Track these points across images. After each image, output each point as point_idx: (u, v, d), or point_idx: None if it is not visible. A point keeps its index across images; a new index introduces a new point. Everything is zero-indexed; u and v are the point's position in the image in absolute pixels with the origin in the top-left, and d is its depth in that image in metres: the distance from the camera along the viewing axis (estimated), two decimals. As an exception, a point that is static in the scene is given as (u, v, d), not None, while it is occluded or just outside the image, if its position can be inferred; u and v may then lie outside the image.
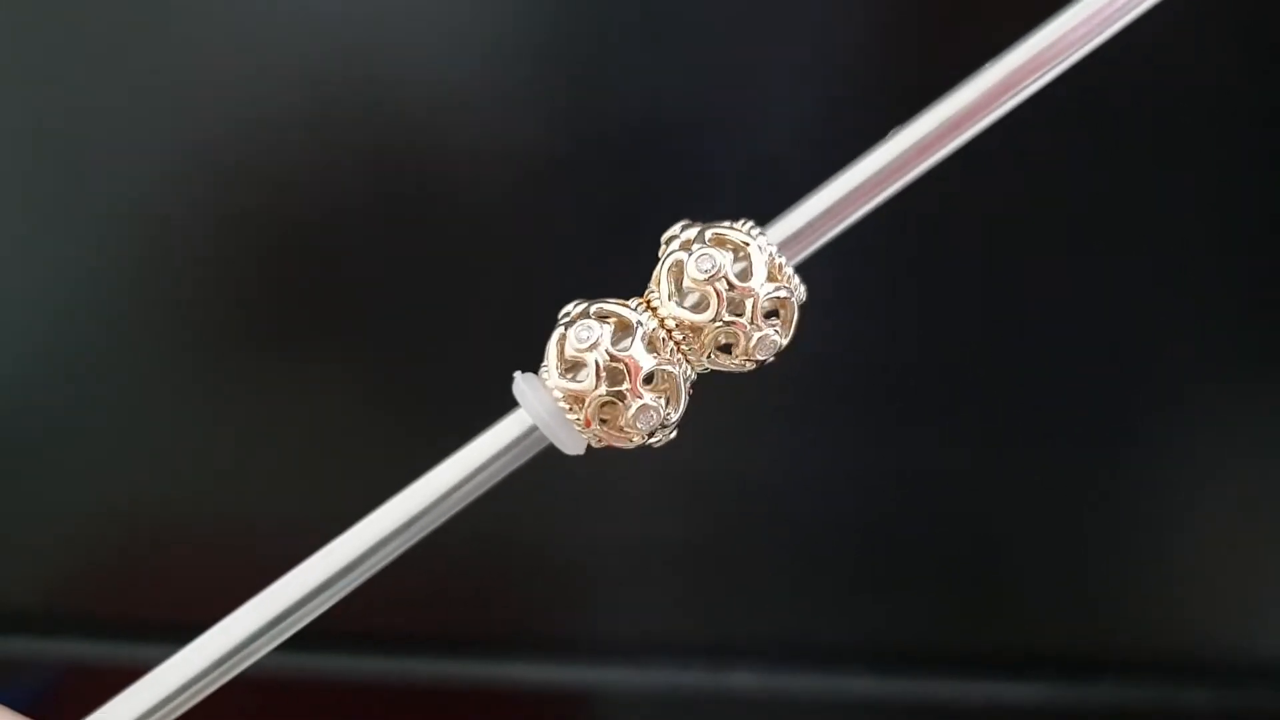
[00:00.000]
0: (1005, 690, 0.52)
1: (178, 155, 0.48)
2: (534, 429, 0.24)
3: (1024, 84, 0.24)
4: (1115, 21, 0.24)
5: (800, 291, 0.24)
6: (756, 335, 0.23)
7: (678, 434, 0.24)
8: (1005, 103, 0.24)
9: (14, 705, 0.25)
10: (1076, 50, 0.24)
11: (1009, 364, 0.50)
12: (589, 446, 0.24)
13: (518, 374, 0.24)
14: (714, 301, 0.23)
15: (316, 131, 0.47)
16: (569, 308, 0.24)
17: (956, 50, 0.25)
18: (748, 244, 0.23)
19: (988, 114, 0.24)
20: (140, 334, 0.50)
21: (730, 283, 0.23)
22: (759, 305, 0.23)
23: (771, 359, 0.24)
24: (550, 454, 0.25)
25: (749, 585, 0.53)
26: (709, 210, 0.25)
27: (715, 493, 0.52)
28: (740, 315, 0.23)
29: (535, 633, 0.54)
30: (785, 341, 0.24)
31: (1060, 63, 0.24)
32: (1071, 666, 0.52)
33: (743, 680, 0.53)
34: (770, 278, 0.23)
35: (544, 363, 0.24)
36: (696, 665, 0.53)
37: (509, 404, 0.25)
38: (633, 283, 0.25)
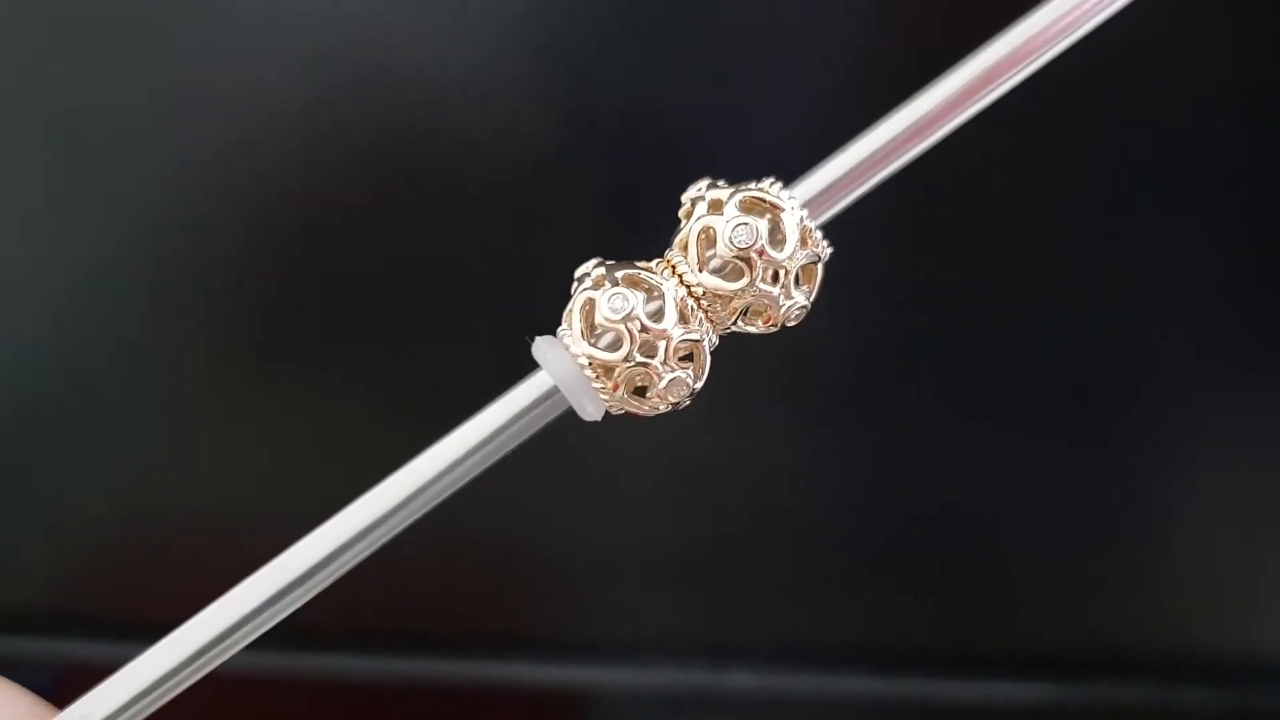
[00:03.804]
0: (1005, 690, 0.52)
1: (180, 156, 0.48)
2: (554, 391, 0.24)
3: (1042, 49, 0.24)
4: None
5: (826, 254, 0.24)
6: (786, 304, 0.23)
7: (664, 427, 0.24)
8: (1029, 65, 0.24)
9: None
10: (1090, 19, 0.24)
11: (1009, 363, 0.50)
12: (603, 416, 0.24)
13: (539, 337, 0.24)
14: (746, 271, 0.23)
15: (321, 130, 0.47)
16: (587, 267, 0.24)
17: (958, 50, 0.25)
18: (781, 208, 0.23)
19: (1012, 75, 0.24)
20: (142, 335, 0.50)
21: (764, 251, 0.23)
22: (791, 274, 0.23)
23: (796, 324, 0.24)
24: (552, 454, 0.25)
25: (749, 585, 0.53)
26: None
27: (715, 493, 0.52)
28: (772, 284, 0.23)
29: (535, 633, 0.54)
30: (810, 305, 0.24)
31: (1081, 27, 0.24)
32: (1071, 666, 0.52)
33: (743, 680, 0.53)
34: (802, 243, 0.23)
35: (564, 325, 0.24)
36: (696, 665, 0.53)
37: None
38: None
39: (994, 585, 0.53)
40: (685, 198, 0.24)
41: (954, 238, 0.48)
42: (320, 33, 0.46)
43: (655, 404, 0.23)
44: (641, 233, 0.26)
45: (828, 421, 0.51)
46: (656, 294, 0.23)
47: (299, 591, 0.23)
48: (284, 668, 0.53)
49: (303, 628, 0.25)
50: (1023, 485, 0.51)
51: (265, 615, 0.23)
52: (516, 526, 0.52)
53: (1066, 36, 0.24)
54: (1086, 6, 0.24)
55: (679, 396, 0.23)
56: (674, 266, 0.23)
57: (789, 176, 0.25)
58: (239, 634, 0.23)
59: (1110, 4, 0.25)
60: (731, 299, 0.23)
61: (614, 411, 0.24)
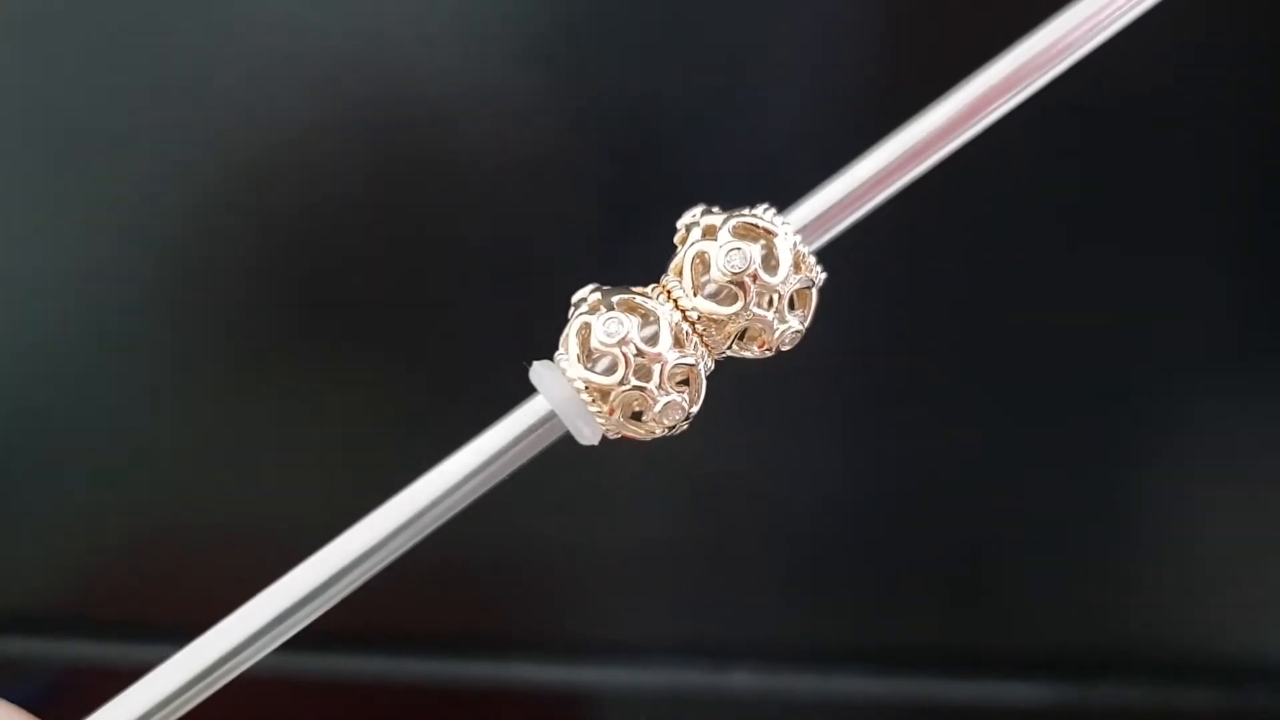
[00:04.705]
0: (1005, 690, 0.52)
1: (185, 162, 0.48)
2: (551, 416, 0.24)
3: (1038, 73, 0.24)
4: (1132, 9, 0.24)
5: (820, 279, 0.24)
6: (781, 328, 0.23)
7: (675, 435, 0.24)
8: (1029, 86, 0.24)
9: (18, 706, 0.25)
10: (1097, 34, 0.24)
11: (1008, 364, 0.50)
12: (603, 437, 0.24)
13: (536, 362, 0.24)
14: (740, 295, 0.23)
15: (323, 138, 0.47)
16: (584, 293, 0.24)
17: (960, 49, 0.25)
18: (774, 233, 0.23)
19: (1010, 97, 0.24)
20: (142, 335, 0.50)
21: (757, 276, 0.23)
22: (784, 298, 0.23)
23: (791, 348, 0.24)
24: (552, 454, 0.25)
25: (749, 585, 0.53)
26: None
27: (715, 493, 0.52)
28: (766, 309, 0.23)
29: (535, 633, 0.54)
30: (805, 329, 0.24)
31: (1081, 47, 0.24)
32: (1071, 666, 0.52)
33: (743, 680, 0.53)
34: (795, 268, 0.23)
35: (561, 350, 0.24)
36: (696, 665, 0.53)
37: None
38: (638, 281, 0.25)
39: (994, 585, 0.53)
40: (680, 224, 0.24)
41: (953, 242, 0.48)
42: (325, 37, 0.46)
43: (651, 428, 0.23)
44: (643, 236, 0.26)
45: (827, 422, 0.51)
46: (652, 319, 0.23)
47: (292, 620, 0.23)
48: (284, 668, 0.53)
49: (304, 627, 0.25)
50: (1022, 485, 0.51)
51: (260, 643, 0.23)
52: (517, 527, 0.52)
53: (1065, 58, 0.24)
54: (1086, 28, 0.24)
55: (674, 420, 0.23)
56: (669, 291, 0.23)
57: (790, 176, 0.25)
58: (232, 663, 0.23)
59: (1115, 20, 0.25)
60: (726, 323, 0.23)
61: (610, 435, 0.24)
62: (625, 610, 0.54)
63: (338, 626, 0.51)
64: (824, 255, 0.25)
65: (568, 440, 0.24)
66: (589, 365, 0.23)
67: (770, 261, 0.23)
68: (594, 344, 0.23)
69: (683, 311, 0.23)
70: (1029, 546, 0.52)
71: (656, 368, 0.23)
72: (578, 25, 0.46)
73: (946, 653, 0.53)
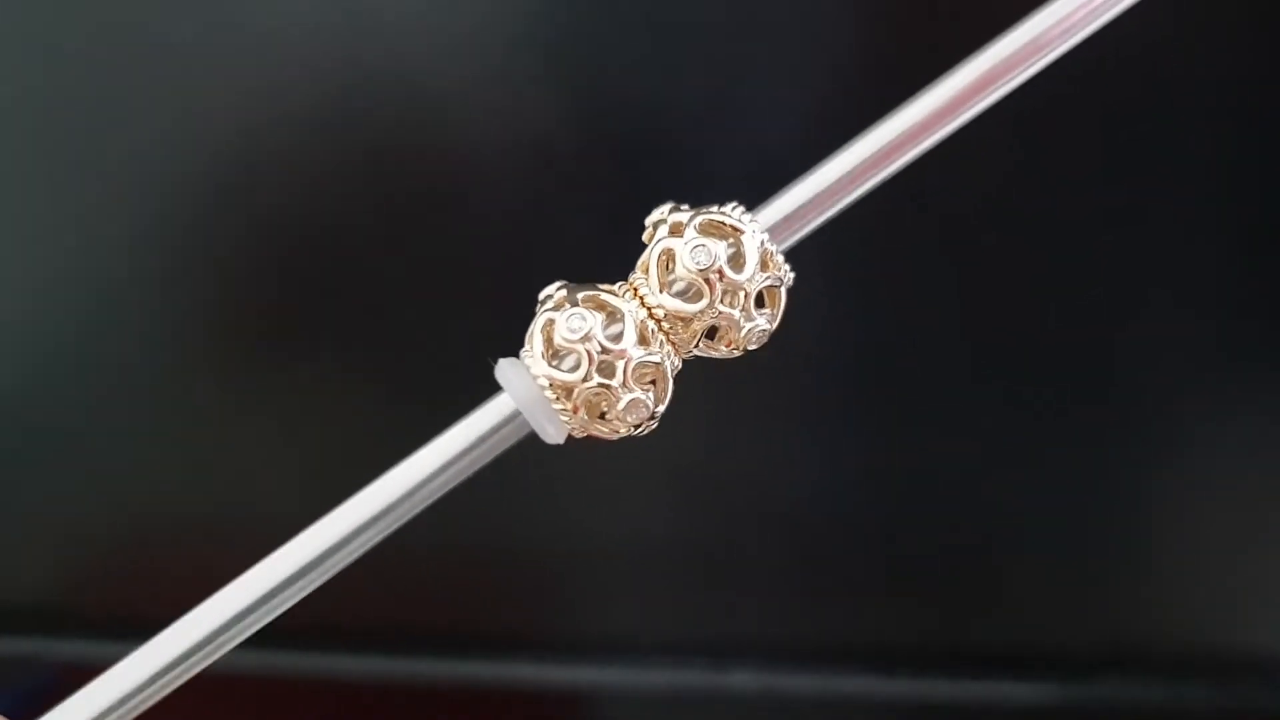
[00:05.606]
0: (1005, 690, 0.52)
1: (181, 155, 0.48)
2: (516, 414, 0.23)
3: (1021, 67, 0.24)
4: (1106, 11, 0.24)
5: (789, 278, 0.24)
6: (747, 326, 0.23)
7: (663, 428, 0.24)
8: (1000, 88, 0.24)
9: (14, 705, 0.25)
10: (1069, 38, 0.24)
11: (1008, 363, 0.50)
12: (569, 437, 0.24)
13: (501, 359, 0.24)
14: (706, 292, 0.23)
15: (324, 130, 0.47)
16: (550, 289, 0.24)
17: (960, 49, 0.25)
18: (741, 231, 0.23)
19: (981, 99, 0.24)
20: (141, 335, 0.50)
21: (723, 273, 0.23)
22: (751, 296, 0.23)
23: (758, 347, 0.24)
24: (553, 453, 0.25)
25: (749, 585, 0.53)
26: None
27: (715, 492, 0.52)
28: (732, 306, 0.23)
29: (535, 633, 0.54)
30: (773, 329, 0.24)
31: (1054, 49, 0.24)
32: (1071, 666, 0.52)
33: (743, 680, 0.53)
34: (762, 266, 0.23)
35: (526, 347, 0.23)
36: (696, 665, 0.53)
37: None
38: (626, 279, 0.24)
39: (994, 585, 0.53)
40: (648, 221, 0.24)
41: (952, 238, 0.48)
42: (325, 35, 0.46)
43: (616, 426, 0.23)
44: (642, 231, 0.26)
45: (828, 422, 0.51)
46: (617, 316, 0.23)
47: (253, 618, 0.23)
48: (284, 668, 0.53)
49: (303, 628, 0.25)
50: (1023, 485, 0.51)
51: (219, 641, 0.23)
52: (517, 527, 0.52)
53: (1035, 62, 0.24)
54: (1067, 24, 0.23)
55: (639, 419, 0.23)
56: (636, 289, 0.23)
57: (789, 173, 0.25)
58: (204, 651, 0.23)
59: (1088, 23, 0.24)
60: (692, 321, 0.23)
61: (576, 434, 0.24)
62: (625, 610, 0.54)
63: (338, 626, 0.51)
64: (828, 250, 0.24)
65: (571, 440, 0.24)
66: (553, 362, 0.23)
67: (737, 259, 0.23)
68: (558, 341, 0.23)
69: (649, 309, 0.23)
70: (1029, 546, 0.52)
71: (620, 364, 0.23)
72: (575, 17, 0.46)
73: (946, 653, 0.53)
